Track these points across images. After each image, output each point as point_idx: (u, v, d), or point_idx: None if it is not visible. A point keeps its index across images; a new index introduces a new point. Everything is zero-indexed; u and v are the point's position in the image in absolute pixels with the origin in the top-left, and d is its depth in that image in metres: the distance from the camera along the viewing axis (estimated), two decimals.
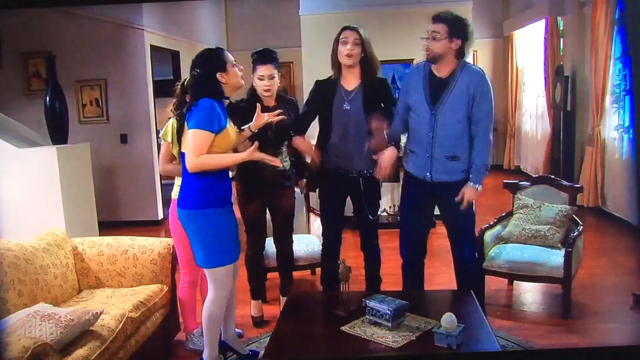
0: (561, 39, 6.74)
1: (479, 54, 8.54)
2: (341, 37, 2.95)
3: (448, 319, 2.31)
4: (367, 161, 2.99)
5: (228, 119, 2.57)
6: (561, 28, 6.74)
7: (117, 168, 6.13)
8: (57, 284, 2.85)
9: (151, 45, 6.01)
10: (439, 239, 3.17)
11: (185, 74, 6.63)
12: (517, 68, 8.27)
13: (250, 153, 2.55)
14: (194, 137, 2.45)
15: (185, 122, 2.51)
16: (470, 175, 2.90)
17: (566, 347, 2.91)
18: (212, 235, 2.57)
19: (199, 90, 2.52)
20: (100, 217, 4.42)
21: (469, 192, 2.88)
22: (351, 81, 3.00)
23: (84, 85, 5.92)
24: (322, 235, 3.24)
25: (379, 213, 3.23)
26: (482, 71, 2.93)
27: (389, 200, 5.74)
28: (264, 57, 3.09)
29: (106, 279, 3.08)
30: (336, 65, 3.00)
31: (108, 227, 4.85)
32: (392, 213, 5.67)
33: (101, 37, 5.80)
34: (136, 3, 5.45)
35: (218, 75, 2.52)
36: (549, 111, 6.92)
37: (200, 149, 2.44)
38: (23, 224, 3.54)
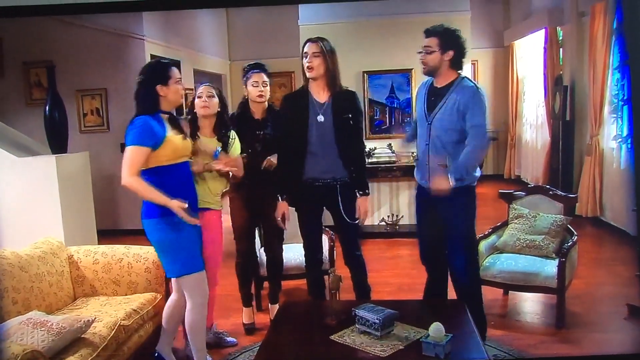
0: (560, 49, 6.75)
1: (479, 63, 8.55)
2: (303, 50, 2.95)
3: (436, 329, 2.33)
4: (341, 169, 3.00)
5: (169, 129, 2.60)
6: (561, 38, 6.75)
7: (117, 177, 6.04)
8: (52, 291, 2.88)
9: (152, 55, 6.03)
10: None
11: (187, 83, 6.72)
12: (517, 78, 8.26)
13: (175, 206, 2.53)
14: (129, 154, 2.53)
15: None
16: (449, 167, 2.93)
17: (556, 356, 2.91)
18: (176, 243, 2.61)
19: (137, 103, 2.60)
20: (99, 225, 4.44)
21: (439, 179, 2.88)
22: (320, 93, 2.99)
23: (84, 95, 5.96)
24: (304, 246, 3.20)
25: (377, 223, 3.24)
26: (476, 87, 2.92)
27: (387, 210, 5.76)
28: (256, 66, 3.25)
29: (101, 287, 3.11)
30: (305, 77, 2.99)
31: (108, 235, 4.86)
32: (390, 223, 5.67)
33: (102, 47, 5.84)
34: (137, 12, 5.50)
35: (158, 87, 2.57)
36: (548, 121, 6.92)
37: (134, 164, 2.52)
38: (22, 233, 3.55)
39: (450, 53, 2.87)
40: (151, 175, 2.58)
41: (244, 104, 3.30)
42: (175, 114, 2.76)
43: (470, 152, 2.87)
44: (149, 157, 2.55)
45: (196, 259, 2.69)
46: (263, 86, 3.21)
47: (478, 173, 2.99)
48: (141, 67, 2.65)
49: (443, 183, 2.86)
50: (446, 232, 3.03)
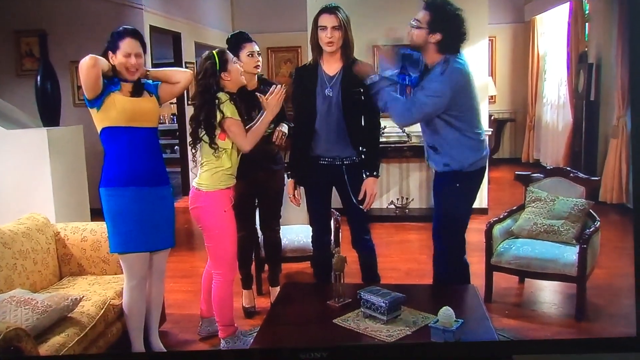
0: (586, 24, 6.41)
1: (498, 40, 8.19)
2: (319, 23, 2.74)
3: (445, 314, 2.17)
4: (349, 149, 2.84)
5: (117, 89, 2.48)
6: (587, 12, 6.41)
7: None
8: (37, 269, 2.76)
9: (151, 26, 5.80)
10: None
11: (187, 57, 6.48)
12: (538, 55, 7.91)
13: None
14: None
15: None
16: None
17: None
18: (111, 217, 2.52)
19: None
20: (93, 204, 4.29)
21: (361, 63, 2.77)
22: (332, 65, 2.82)
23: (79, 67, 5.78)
24: (310, 225, 3.10)
25: (385, 206, 3.10)
26: (441, 70, 2.64)
27: (396, 192, 5.55)
28: (245, 35, 3.07)
29: (89, 265, 2.98)
30: (317, 49, 2.81)
31: (101, 214, 4.71)
32: (399, 205, 5.46)
33: (98, 16, 5.52)
34: None
35: (109, 54, 2.52)
36: (570, 101, 6.62)
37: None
38: (10, 209, 3.46)
39: (438, 36, 2.61)
40: (102, 138, 2.51)
41: None
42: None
43: (394, 100, 2.73)
44: (96, 117, 2.49)
45: (141, 238, 2.54)
46: (258, 55, 3.07)
47: (471, 159, 2.73)
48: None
49: (364, 66, 2.75)
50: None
